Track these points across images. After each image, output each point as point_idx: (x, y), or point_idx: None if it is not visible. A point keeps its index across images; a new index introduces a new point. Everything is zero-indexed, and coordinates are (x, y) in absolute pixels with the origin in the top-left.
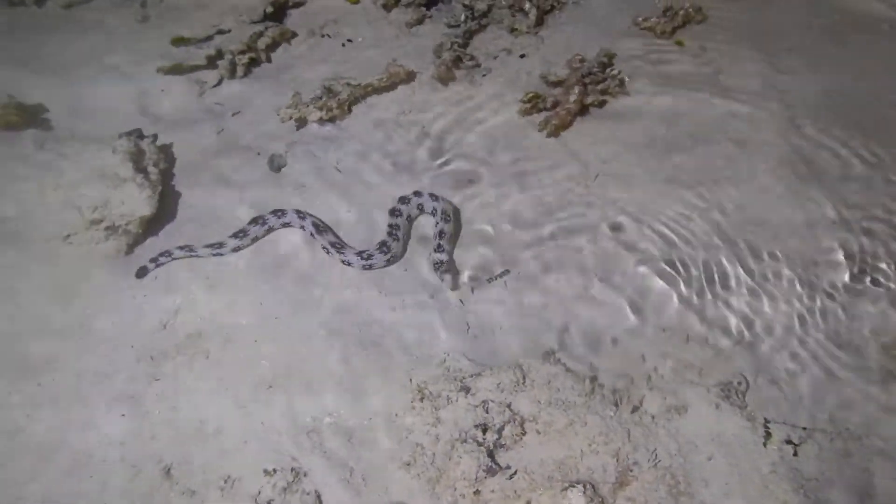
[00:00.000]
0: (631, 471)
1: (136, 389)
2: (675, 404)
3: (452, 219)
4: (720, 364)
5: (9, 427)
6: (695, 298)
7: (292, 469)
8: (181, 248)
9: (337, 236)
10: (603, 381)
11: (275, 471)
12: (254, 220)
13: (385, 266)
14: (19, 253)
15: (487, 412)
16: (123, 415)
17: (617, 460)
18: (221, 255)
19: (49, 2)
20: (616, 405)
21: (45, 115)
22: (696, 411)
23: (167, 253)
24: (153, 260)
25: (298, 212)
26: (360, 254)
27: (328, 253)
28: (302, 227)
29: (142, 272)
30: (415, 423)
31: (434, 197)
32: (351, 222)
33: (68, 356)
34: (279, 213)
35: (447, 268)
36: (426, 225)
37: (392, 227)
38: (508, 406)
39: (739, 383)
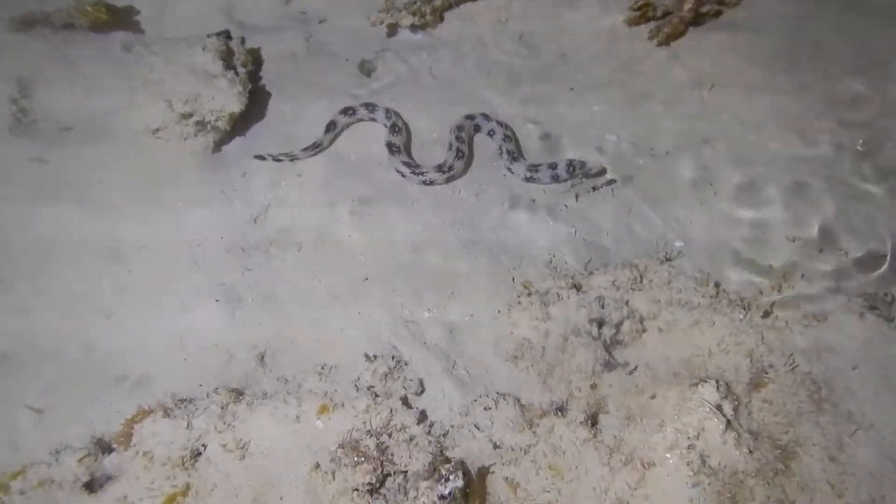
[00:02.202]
0: (766, 373)
1: (228, 278)
2: (813, 311)
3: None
4: (860, 275)
5: (102, 308)
6: (829, 205)
7: (393, 357)
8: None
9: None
10: (727, 287)
11: (375, 357)
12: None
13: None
14: (108, 146)
15: (603, 307)
16: (217, 300)
17: (750, 361)
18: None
19: None
20: (745, 309)
21: (132, 18)
22: (836, 319)
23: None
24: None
25: (387, 110)
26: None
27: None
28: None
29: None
30: (521, 318)
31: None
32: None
33: (159, 246)
34: (371, 106)
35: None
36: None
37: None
38: (626, 303)
39: (885, 294)
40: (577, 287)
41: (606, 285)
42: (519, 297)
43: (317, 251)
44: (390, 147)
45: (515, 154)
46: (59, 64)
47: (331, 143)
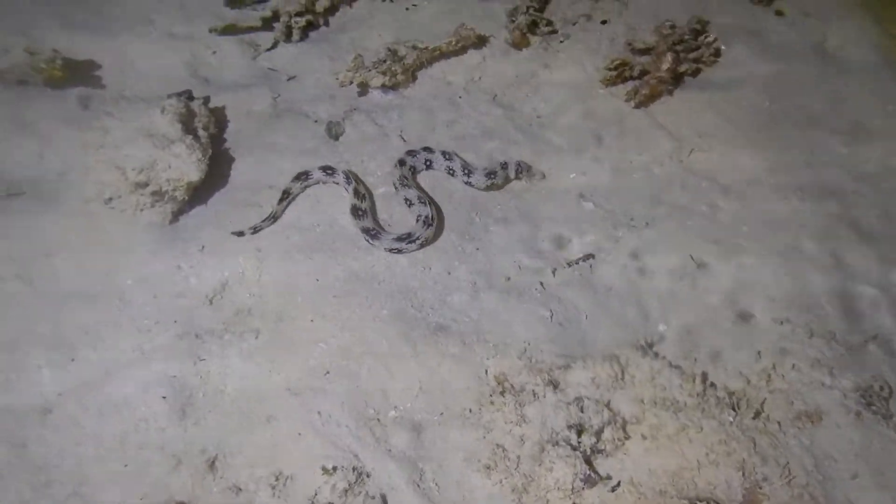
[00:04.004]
0: (760, 487)
1: (178, 369)
2: (805, 410)
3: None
4: (854, 364)
5: (39, 404)
6: (818, 282)
7: (354, 468)
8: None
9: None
10: (714, 379)
11: (335, 469)
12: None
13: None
14: (57, 216)
15: (583, 411)
16: (164, 397)
17: (743, 474)
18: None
19: None
20: (734, 409)
21: (92, 73)
22: (832, 420)
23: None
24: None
25: (346, 174)
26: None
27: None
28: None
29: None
30: (494, 420)
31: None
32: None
33: (106, 329)
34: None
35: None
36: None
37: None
38: (607, 405)
39: (882, 388)
40: (555, 384)
41: (586, 383)
42: (492, 394)
43: (276, 338)
44: (356, 211)
45: (468, 167)
46: (10, 122)
47: (283, 212)
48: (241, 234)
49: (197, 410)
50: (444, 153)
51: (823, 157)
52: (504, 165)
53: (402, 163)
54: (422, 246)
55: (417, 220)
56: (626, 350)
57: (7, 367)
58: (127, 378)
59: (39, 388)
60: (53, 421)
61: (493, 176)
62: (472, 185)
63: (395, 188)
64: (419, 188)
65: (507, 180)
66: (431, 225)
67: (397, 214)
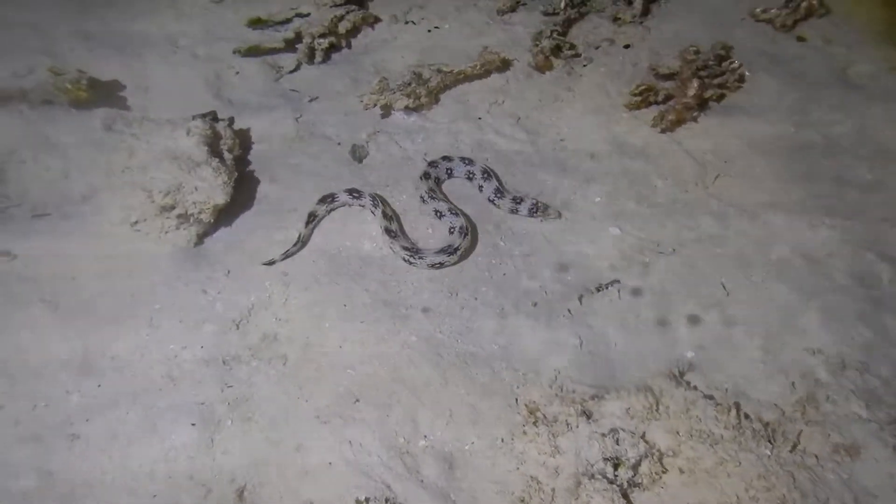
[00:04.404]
0: None
1: (206, 396)
2: (843, 443)
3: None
4: (889, 396)
5: (66, 431)
6: (849, 311)
7: (387, 500)
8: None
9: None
10: (748, 410)
11: (367, 500)
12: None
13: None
14: (82, 238)
15: (618, 443)
16: (193, 424)
17: None
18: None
19: None
20: (770, 441)
21: (117, 94)
22: (870, 454)
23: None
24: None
25: (373, 197)
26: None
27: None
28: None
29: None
30: (527, 450)
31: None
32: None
33: (133, 356)
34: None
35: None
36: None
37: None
38: (642, 437)
39: None
40: (588, 414)
41: (620, 413)
42: (524, 424)
43: (304, 364)
44: (389, 233)
45: (488, 172)
46: (35, 143)
47: (310, 235)
48: (271, 262)
49: (225, 439)
50: (462, 159)
51: (849, 184)
52: (518, 200)
53: (426, 175)
54: (462, 257)
55: (451, 231)
56: (659, 380)
57: (34, 393)
58: (156, 405)
59: (67, 414)
60: (81, 448)
61: (501, 196)
62: (484, 192)
63: (423, 200)
64: (447, 199)
65: (513, 212)
66: (468, 234)
67: (419, 232)
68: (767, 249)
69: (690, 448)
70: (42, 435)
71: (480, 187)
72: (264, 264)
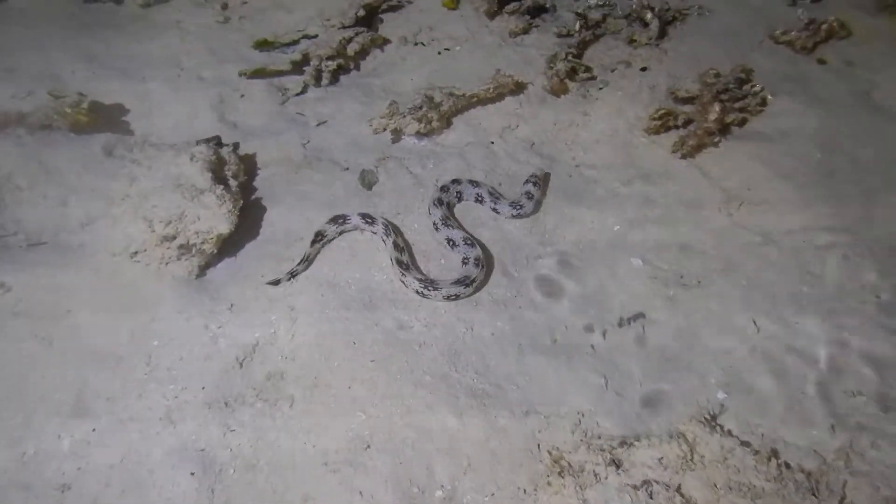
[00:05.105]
0: None
1: (207, 441)
2: (893, 497)
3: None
4: None
5: (57, 480)
6: (886, 348)
7: None
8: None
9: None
10: (786, 456)
11: None
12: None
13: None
14: (80, 270)
15: (651, 497)
16: (192, 473)
17: None
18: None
19: (127, 0)
20: (814, 494)
21: (119, 118)
22: None
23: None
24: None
25: (386, 225)
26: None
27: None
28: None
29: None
30: (552, 503)
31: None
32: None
33: (131, 396)
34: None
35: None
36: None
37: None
38: (678, 490)
39: None
40: (617, 463)
41: (652, 463)
42: (549, 474)
43: (311, 406)
44: (401, 264)
45: (495, 194)
46: (32, 169)
47: (316, 255)
48: (276, 282)
49: (228, 488)
50: (471, 181)
51: (879, 211)
52: (529, 196)
53: (439, 202)
54: (477, 289)
55: (465, 263)
56: (692, 425)
57: (24, 438)
58: (152, 451)
59: (58, 461)
60: (72, 499)
61: (518, 207)
62: (500, 213)
63: (437, 228)
64: (462, 227)
65: (538, 206)
66: (483, 266)
67: (432, 262)
68: (795, 280)
69: (730, 502)
70: (31, 483)
71: (495, 210)
72: (268, 283)
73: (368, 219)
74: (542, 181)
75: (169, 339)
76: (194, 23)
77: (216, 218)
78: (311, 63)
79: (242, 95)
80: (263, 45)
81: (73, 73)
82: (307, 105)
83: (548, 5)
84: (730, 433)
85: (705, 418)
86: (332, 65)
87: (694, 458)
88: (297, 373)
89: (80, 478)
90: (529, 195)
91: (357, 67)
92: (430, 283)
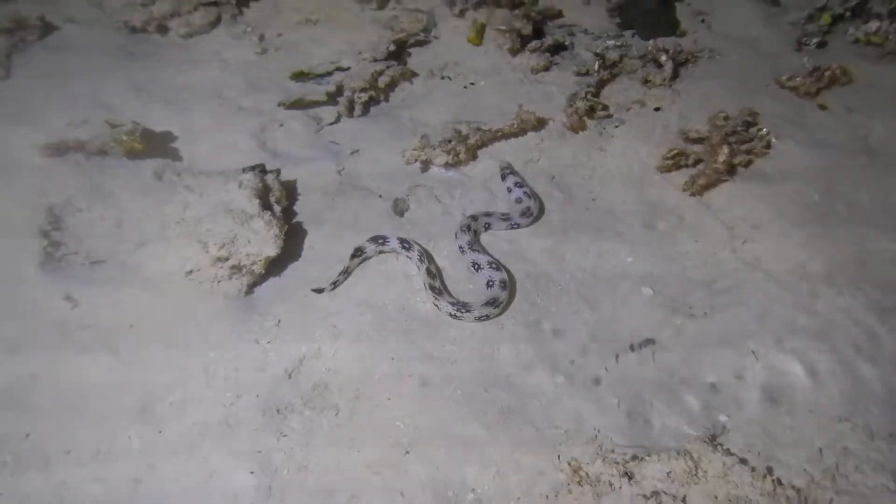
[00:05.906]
0: None
1: (263, 444)
2: None
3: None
4: None
5: (129, 476)
6: (875, 379)
7: None
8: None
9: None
10: (779, 473)
11: None
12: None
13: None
14: (138, 286)
15: None
16: (252, 472)
17: None
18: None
19: (170, 31)
20: None
21: (167, 145)
22: None
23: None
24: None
25: (420, 253)
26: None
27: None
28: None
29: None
30: None
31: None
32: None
33: (191, 403)
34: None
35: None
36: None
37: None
38: (684, 501)
39: None
40: (629, 475)
41: (661, 476)
42: (569, 483)
43: (354, 415)
44: (433, 289)
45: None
46: (90, 192)
47: (356, 267)
48: (320, 290)
49: (282, 487)
50: (502, 215)
51: (874, 253)
52: (519, 200)
53: (467, 227)
54: (503, 310)
55: (490, 286)
56: (697, 444)
57: (97, 438)
58: (214, 452)
59: (130, 458)
60: (144, 492)
61: (528, 214)
62: (520, 225)
63: (462, 251)
64: (486, 251)
65: (541, 208)
66: (506, 288)
67: (460, 286)
68: (795, 315)
69: None
70: (106, 477)
71: (516, 225)
72: (313, 290)
73: (406, 244)
74: (517, 174)
75: (223, 352)
76: (233, 54)
77: (264, 242)
78: (345, 94)
79: (281, 125)
80: (300, 76)
81: (123, 102)
82: (340, 134)
83: (567, 43)
84: (729, 452)
85: (709, 438)
86: (364, 96)
87: (698, 472)
88: (341, 384)
89: (150, 474)
90: (527, 195)
91: (387, 99)
92: (462, 306)
